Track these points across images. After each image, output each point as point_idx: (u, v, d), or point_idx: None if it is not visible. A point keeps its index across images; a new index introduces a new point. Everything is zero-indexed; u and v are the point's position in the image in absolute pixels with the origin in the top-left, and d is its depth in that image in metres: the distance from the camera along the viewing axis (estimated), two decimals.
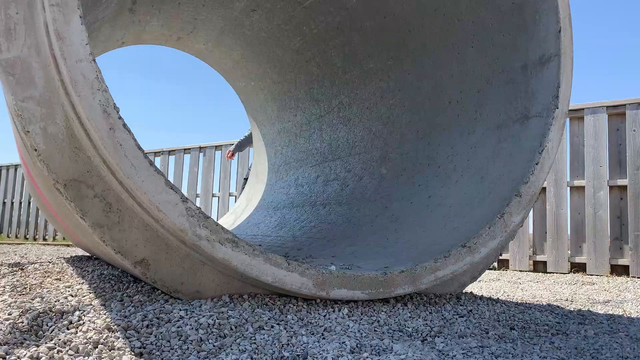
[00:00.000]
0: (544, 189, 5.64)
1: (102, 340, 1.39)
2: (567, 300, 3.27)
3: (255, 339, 1.49)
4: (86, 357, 1.29)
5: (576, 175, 5.55)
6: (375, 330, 1.74)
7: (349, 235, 3.31)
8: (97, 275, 2.42)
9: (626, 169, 5.24)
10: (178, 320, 1.57)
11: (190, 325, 1.53)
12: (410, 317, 1.93)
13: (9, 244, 8.71)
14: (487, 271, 5.42)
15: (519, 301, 2.77)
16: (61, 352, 1.31)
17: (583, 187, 5.47)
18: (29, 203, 10.85)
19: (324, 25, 3.84)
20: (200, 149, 8.75)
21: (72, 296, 1.90)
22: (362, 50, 3.76)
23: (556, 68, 2.44)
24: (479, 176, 2.66)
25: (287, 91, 4.73)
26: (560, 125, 2.41)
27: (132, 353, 1.34)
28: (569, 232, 5.58)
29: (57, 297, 1.86)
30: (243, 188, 6.24)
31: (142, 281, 2.19)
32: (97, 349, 1.34)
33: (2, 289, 2.06)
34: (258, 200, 5.22)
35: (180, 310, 1.66)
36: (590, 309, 2.70)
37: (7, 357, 1.26)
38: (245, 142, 6.67)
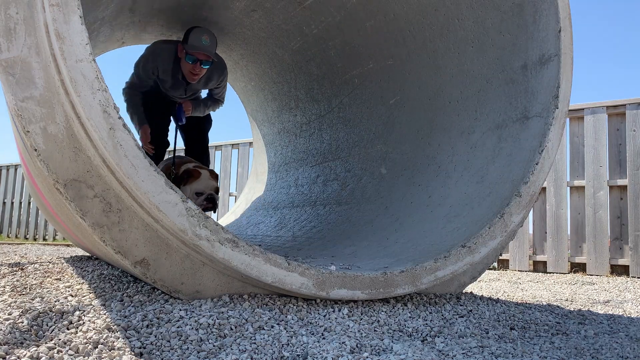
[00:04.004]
0: (544, 189, 5.64)
1: (102, 340, 1.39)
2: (567, 300, 3.27)
3: (255, 339, 1.49)
4: (86, 357, 1.29)
5: (576, 175, 5.55)
6: (375, 330, 1.74)
7: (349, 235, 3.31)
8: (97, 275, 2.42)
9: (626, 169, 5.24)
10: (178, 320, 1.57)
11: (190, 325, 1.53)
12: (410, 317, 1.93)
13: (9, 244, 8.71)
14: (487, 271, 5.42)
15: (519, 301, 2.77)
16: (61, 352, 1.31)
17: (583, 187, 5.47)
18: (29, 203, 10.84)
19: (324, 25, 3.84)
20: None
21: (72, 296, 1.90)
22: (362, 50, 3.76)
23: (556, 68, 2.44)
24: (479, 176, 2.66)
25: (287, 91, 4.73)
26: (560, 125, 2.41)
27: (132, 353, 1.34)
28: (569, 232, 5.58)
29: (57, 297, 1.86)
30: None
31: (142, 281, 2.19)
32: (97, 349, 1.34)
33: (2, 289, 2.06)
34: (258, 200, 5.22)
35: (180, 310, 1.66)
36: (590, 309, 2.70)
37: (7, 357, 1.26)
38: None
